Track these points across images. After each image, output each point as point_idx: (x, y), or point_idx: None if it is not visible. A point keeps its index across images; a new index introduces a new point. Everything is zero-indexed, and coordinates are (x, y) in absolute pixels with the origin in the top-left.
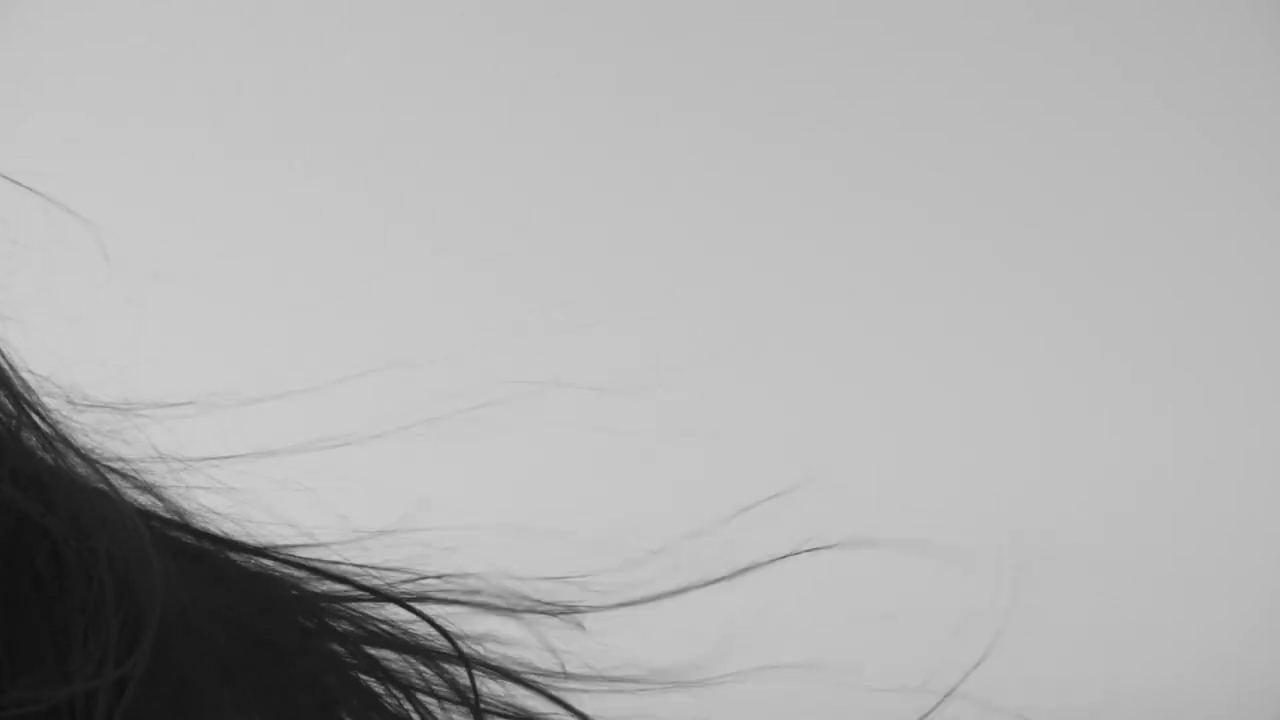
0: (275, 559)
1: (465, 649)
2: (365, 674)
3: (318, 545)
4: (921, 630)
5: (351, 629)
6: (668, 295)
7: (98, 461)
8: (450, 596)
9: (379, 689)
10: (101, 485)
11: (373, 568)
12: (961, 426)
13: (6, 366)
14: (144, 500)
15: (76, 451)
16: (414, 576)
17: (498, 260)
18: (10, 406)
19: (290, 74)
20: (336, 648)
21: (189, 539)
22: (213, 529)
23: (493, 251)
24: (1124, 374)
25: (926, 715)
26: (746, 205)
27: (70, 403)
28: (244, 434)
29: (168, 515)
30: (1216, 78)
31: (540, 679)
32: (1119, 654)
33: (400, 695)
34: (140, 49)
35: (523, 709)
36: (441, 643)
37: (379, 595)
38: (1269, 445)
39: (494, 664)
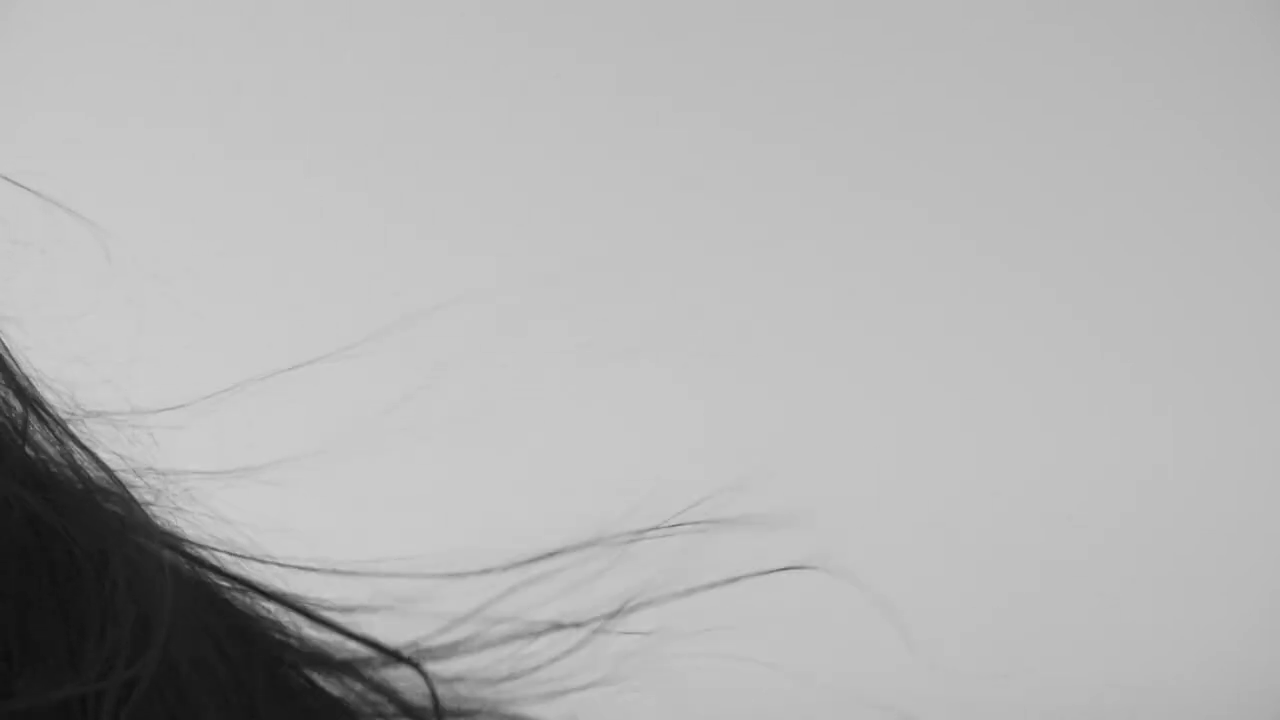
0: (263, 593)
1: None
2: None
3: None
4: (920, 630)
5: (332, 677)
6: (667, 295)
7: (104, 463)
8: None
9: None
10: (106, 486)
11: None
12: (961, 426)
13: (12, 365)
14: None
15: (84, 450)
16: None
17: (498, 260)
18: (18, 405)
19: (290, 74)
20: (311, 703)
21: (186, 565)
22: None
23: (493, 251)
24: (1124, 374)
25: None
26: (746, 205)
27: (69, 413)
28: (244, 439)
29: (171, 536)
30: (1216, 78)
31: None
32: (1119, 654)
33: None
34: (140, 49)
35: None
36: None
37: (377, 649)
38: (1269, 445)
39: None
